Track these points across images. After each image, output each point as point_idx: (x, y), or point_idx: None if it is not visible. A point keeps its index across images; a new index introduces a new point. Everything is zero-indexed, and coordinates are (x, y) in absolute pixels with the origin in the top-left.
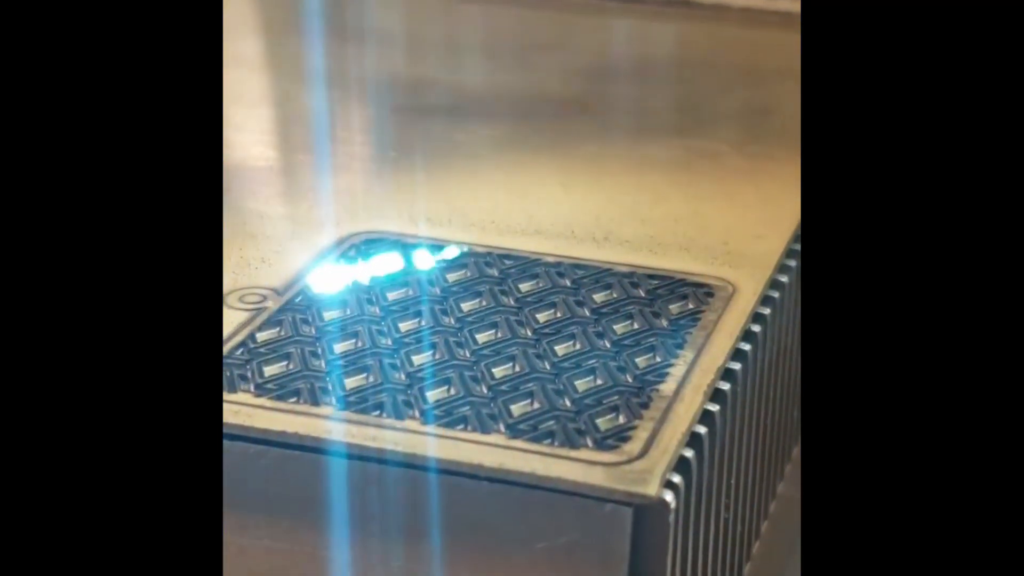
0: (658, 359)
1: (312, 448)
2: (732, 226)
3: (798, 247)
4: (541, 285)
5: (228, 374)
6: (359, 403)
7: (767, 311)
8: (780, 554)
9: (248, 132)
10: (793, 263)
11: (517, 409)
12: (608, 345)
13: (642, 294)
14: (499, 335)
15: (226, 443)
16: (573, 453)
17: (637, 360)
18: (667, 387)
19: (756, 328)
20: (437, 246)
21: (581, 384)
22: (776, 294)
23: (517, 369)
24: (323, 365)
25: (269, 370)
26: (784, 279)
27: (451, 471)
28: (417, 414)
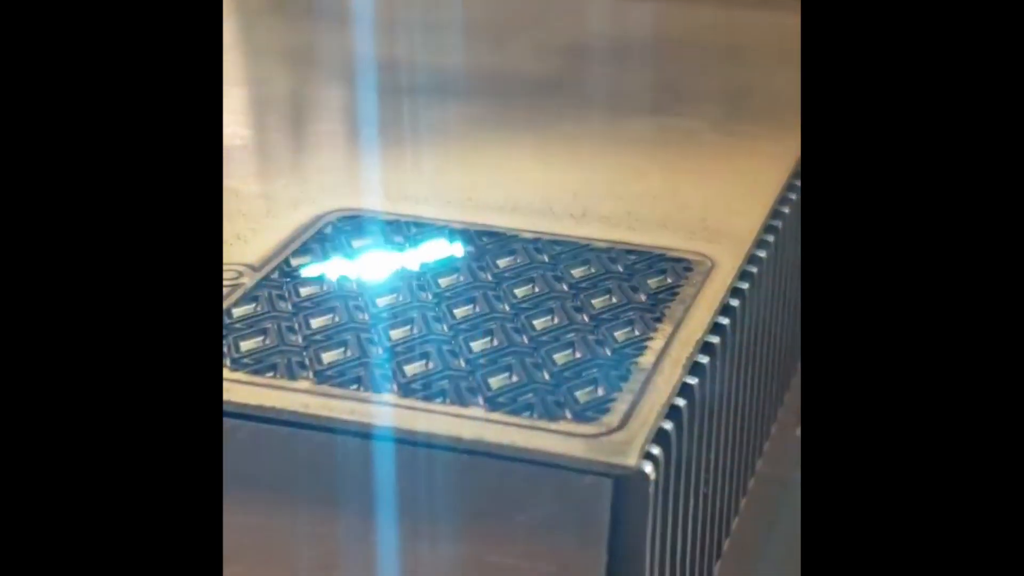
0: (637, 332)
1: (289, 422)
2: (710, 202)
3: (776, 223)
4: (519, 261)
5: None
6: (337, 377)
7: (745, 285)
8: (759, 530)
9: (224, 112)
10: (771, 238)
11: (496, 382)
12: (587, 319)
13: (620, 269)
14: (477, 310)
15: None
16: (552, 425)
17: (616, 334)
18: (646, 360)
19: (734, 302)
20: (414, 223)
21: (560, 357)
22: (754, 269)
23: (495, 343)
24: (300, 340)
25: (245, 345)
26: (762, 254)
27: (430, 444)
28: (395, 388)
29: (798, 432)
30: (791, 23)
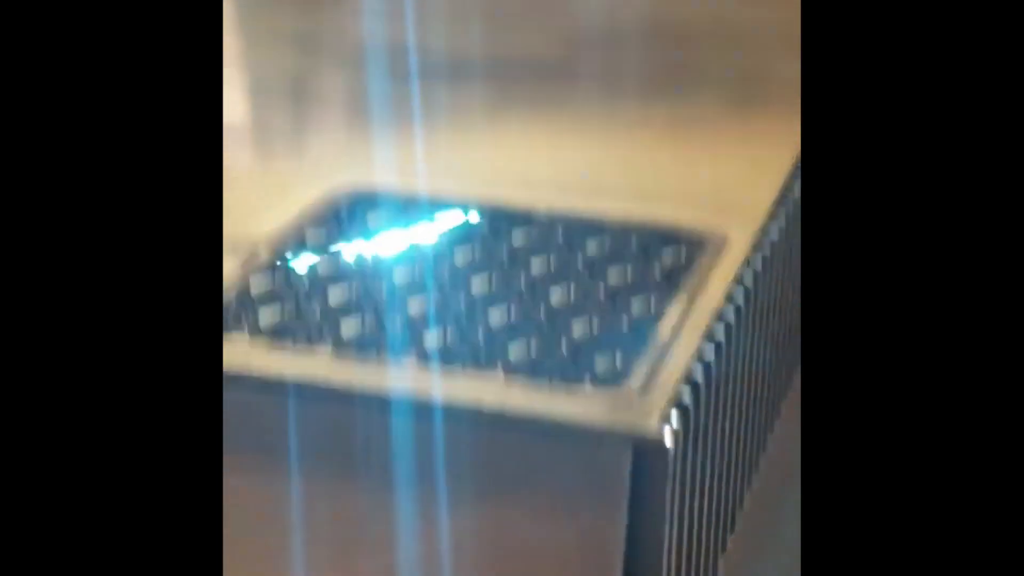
0: (653, 305)
1: (308, 390)
2: (722, 179)
3: (787, 201)
4: (533, 236)
5: (224, 320)
6: (356, 346)
7: (759, 260)
8: (771, 504)
9: (238, 92)
10: (782, 214)
11: (514, 352)
12: (603, 292)
13: (635, 244)
14: (493, 283)
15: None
16: (572, 392)
17: (632, 306)
18: (663, 331)
19: (748, 276)
20: (428, 199)
21: (577, 328)
22: (767, 243)
23: (513, 314)
24: (318, 311)
25: (264, 316)
26: (774, 230)
27: (451, 411)
28: (414, 356)
29: None
30: (794, 7)
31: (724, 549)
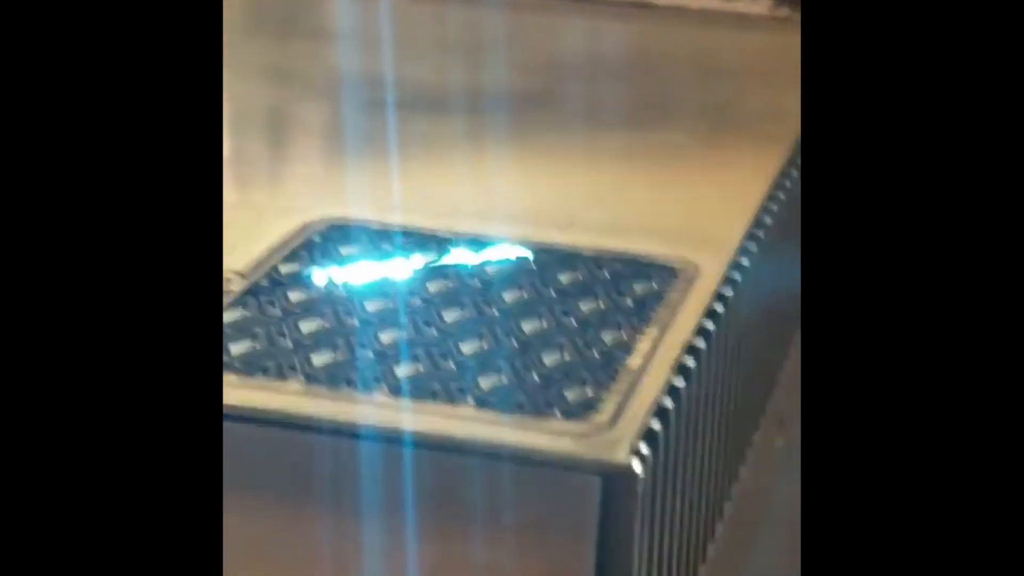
0: (624, 336)
1: (279, 423)
2: (693, 211)
3: (758, 231)
4: (507, 267)
5: None
6: (327, 379)
7: (730, 291)
8: (743, 538)
9: None
10: (754, 246)
11: (485, 383)
12: (574, 323)
13: (607, 275)
14: (466, 314)
15: None
16: (542, 423)
17: (604, 336)
18: (634, 362)
19: (720, 307)
20: (402, 232)
21: (549, 359)
22: (738, 275)
23: (485, 346)
24: (289, 343)
25: (235, 348)
26: (745, 261)
27: (421, 443)
28: (385, 388)
29: (779, 442)
30: (766, 42)
31: None
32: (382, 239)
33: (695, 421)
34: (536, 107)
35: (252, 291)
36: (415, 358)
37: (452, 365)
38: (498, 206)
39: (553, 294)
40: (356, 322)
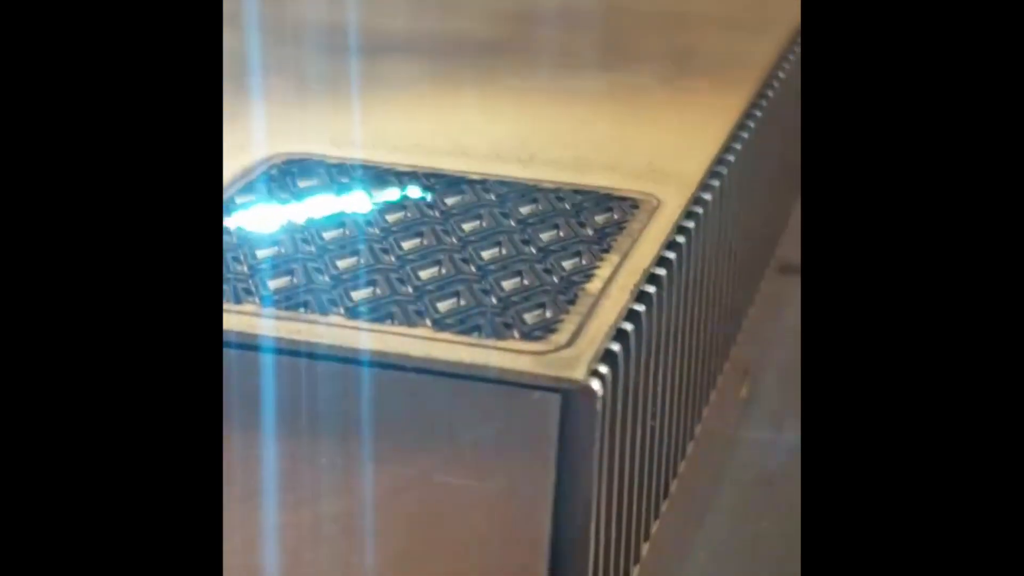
0: (584, 262)
1: (236, 344)
2: (656, 148)
3: (721, 168)
4: (466, 199)
5: None
6: (284, 301)
7: (691, 224)
8: (709, 475)
9: None
10: (716, 182)
11: (444, 306)
12: (534, 251)
13: (568, 207)
14: (424, 243)
15: None
16: (500, 343)
17: (563, 263)
18: (593, 286)
19: (680, 238)
20: (360, 166)
21: (508, 284)
22: (700, 209)
23: (443, 272)
24: (245, 269)
25: None
26: (708, 196)
27: (378, 362)
28: (342, 312)
29: (744, 392)
30: None
31: (657, 516)
32: (340, 173)
33: (654, 349)
34: (500, 52)
35: None
36: (372, 283)
37: (409, 289)
38: (459, 143)
39: (513, 224)
40: (312, 249)
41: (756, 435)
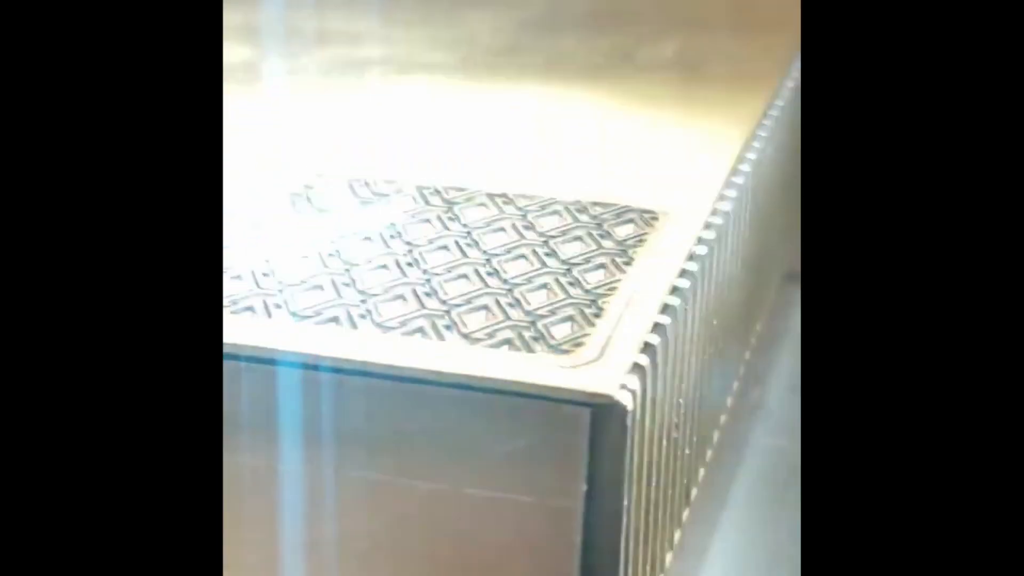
0: (608, 276)
1: (267, 359)
2: (674, 160)
3: (737, 179)
4: (488, 213)
5: None
6: (314, 316)
7: (711, 235)
8: (724, 482)
9: None
10: (733, 193)
11: (471, 321)
12: (558, 264)
13: (588, 220)
14: (449, 258)
15: None
16: (530, 358)
17: (587, 276)
18: (618, 300)
19: (701, 250)
20: (382, 181)
21: (534, 298)
22: (719, 220)
23: (470, 287)
24: (274, 285)
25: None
26: (726, 207)
27: (409, 377)
28: (373, 326)
29: (755, 394)
30: None
31: (680, 524)
32: (362, 191)
33: (678, 359)
34: (508, 62)
35: (235, 238)
36: (400, 297)
37: (437, 304)
38: (476, 156)
39: (535, 237)
40: (340, 264)
41: (768, 441)
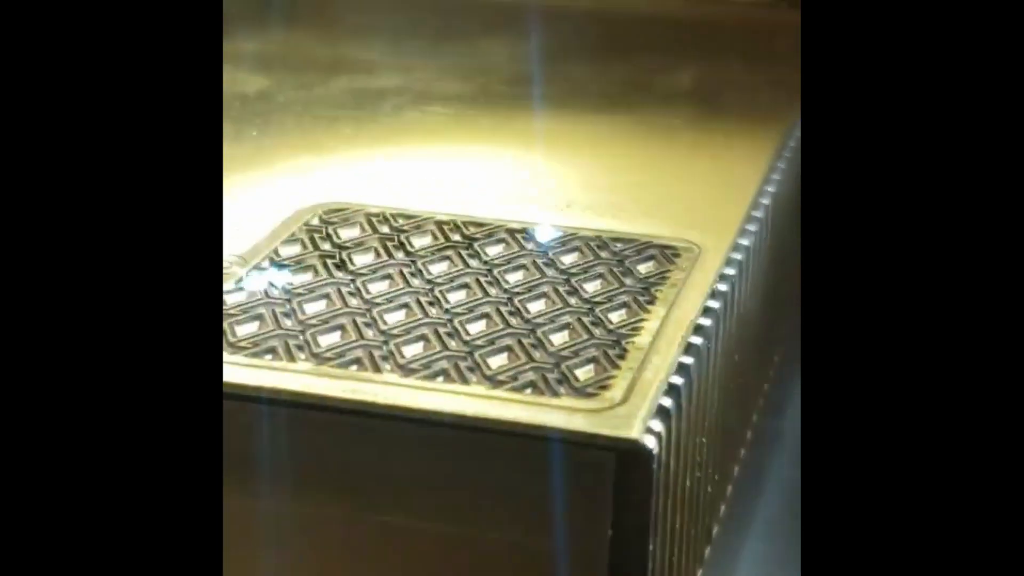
0: (630, 315)
1: (290, 403)
2: (691, 192)
3: (757, 213)
4: (508, 249)
5: None
6: (335, 359)
7: (733, 271)
8: (745, 516)
9: None
10: (754, 227)
11: (495, 362)
12: (580, 303)
13: (609, 256)
14: (470, 296)
15: None
16: (554, 401)
17: (610, 316)
18: (642, 340)
19: (723, 286)
20: (400, 215)
21: (556, 338)
22: (739, 255)
23: (491, 326)
24: (295, 325)
25: (242, 330)
26: (746, 241)
27: (432, 421)
28: (394, 369)
29: (776, 425)
30: (758, 17)
31: (701, 563)
32: (380, 223)
33: (702, 399)
34: (526, 94)
35: (254, 273)
36: (423, 338)
37: (460, 345)
38: (496, 190)
39: (557, 274)
40: (361, 303)
41: (788, 472)
